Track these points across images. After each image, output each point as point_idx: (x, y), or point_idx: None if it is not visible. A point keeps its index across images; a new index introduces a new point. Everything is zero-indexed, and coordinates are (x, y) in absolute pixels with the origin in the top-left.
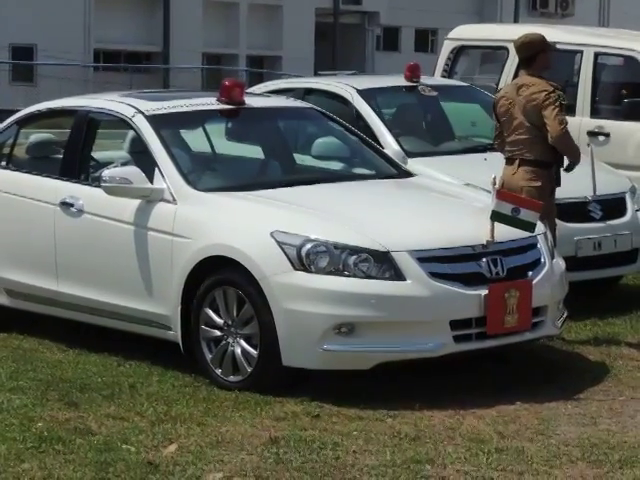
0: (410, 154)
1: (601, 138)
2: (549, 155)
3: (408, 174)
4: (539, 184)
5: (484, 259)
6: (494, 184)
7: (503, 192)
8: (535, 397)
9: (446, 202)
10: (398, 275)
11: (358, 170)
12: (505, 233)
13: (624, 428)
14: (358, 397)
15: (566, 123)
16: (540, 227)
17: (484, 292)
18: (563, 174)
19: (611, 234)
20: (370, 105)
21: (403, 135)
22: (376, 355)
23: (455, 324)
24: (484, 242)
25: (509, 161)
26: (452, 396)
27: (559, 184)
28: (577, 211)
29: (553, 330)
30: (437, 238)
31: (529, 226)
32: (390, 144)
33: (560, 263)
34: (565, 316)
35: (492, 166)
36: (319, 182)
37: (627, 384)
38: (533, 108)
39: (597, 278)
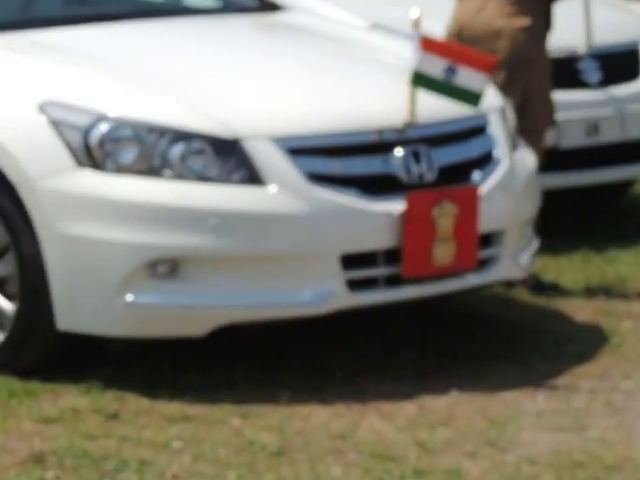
0: None
1: None
2: None
3: (275, 7)
4: (528, 22)
5: (399, 152)
6: (417, 25)
7: (429, 40)
8: (482, 382)
9: (337, 56)
10: (254, 178)
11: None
12: (434, 109)
13: (629, 436)
14: (184, 383)
15: None
16: (493, 99)
17: (399, 207)
18: None
19: (615, 110)
20: None
21: None
22: (216, 313)
23: (350, 261)
24: (399, 124)
25: None
26: (343, 379)
27: (550, 25)
28: (561, 73)
29: (515, 271)
30: (320, 117)
31: (472, 97)
32: None
33: (528, 158)
34: (536, 248)
35: None
36: (125, 19)
37: (637, 362)
38: None
39: (592, 184)
